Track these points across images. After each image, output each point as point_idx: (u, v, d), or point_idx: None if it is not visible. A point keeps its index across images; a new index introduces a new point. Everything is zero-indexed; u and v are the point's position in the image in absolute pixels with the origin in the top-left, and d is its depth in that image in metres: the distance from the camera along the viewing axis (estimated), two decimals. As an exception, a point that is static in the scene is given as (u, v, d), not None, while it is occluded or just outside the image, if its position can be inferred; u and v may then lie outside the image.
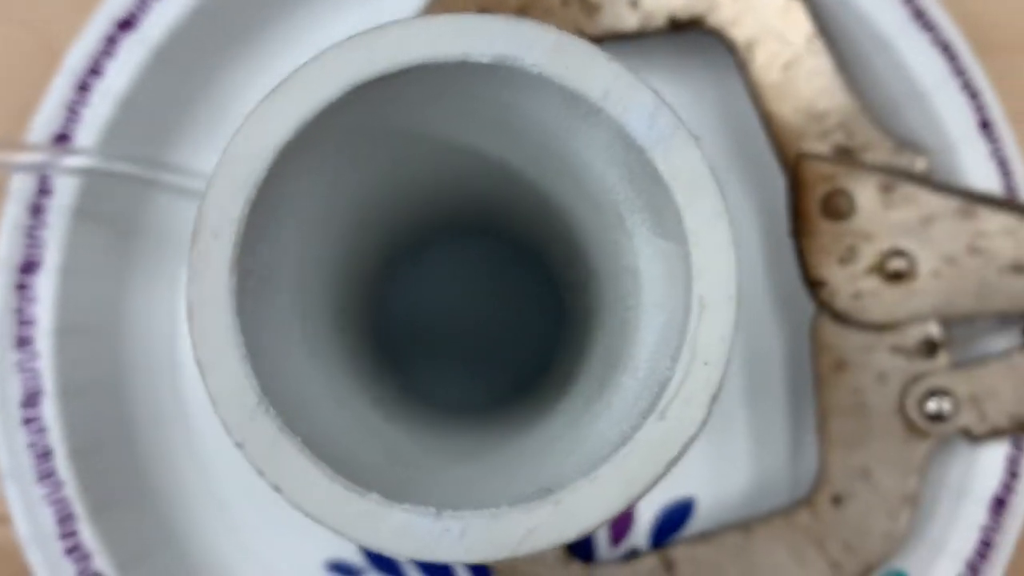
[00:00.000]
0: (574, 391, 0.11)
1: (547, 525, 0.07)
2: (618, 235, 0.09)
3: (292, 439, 0.07)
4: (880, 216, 0.20)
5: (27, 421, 0.20)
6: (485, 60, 0.07)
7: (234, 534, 0.22)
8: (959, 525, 0.20)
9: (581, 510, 0.07)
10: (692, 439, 0.07)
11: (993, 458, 0.20)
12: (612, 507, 0.07)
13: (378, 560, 0.22)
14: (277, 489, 0.07)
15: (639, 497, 0.07)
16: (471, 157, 0.11)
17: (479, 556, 0.07)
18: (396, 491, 0.07)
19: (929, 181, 0.20)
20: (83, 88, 0.20)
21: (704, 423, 0.07)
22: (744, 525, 0.20)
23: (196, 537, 0.21)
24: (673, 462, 0.07)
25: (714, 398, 0.07)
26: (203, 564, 0.21)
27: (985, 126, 0.21)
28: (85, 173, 0.19)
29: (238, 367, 0.07)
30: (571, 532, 0.07)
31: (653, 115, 0.07)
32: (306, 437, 0.07)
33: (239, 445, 0.07)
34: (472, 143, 0.10)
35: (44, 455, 0.20)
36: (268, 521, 0.22)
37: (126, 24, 0.20)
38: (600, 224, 0.09)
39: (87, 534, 0.20)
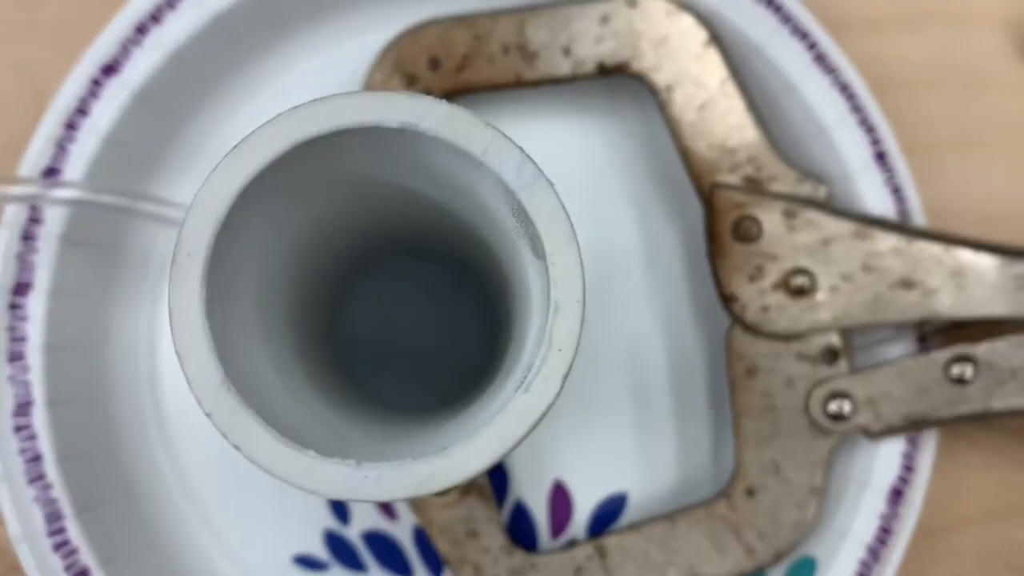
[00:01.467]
0: (490, 386, 0.13)
1: (441, 471, 0.09)
2: (517, 255, 0.11)
3: (248, 410, 0.09)
4: (784, 239, 0.22)
5: (18, 428, 0.22)
6: (394, 125, 0.09)
7: (209, 531, 0.24)
8: (861, 514, 0.23)
9: (466, 460, 0.09)
10: (549, 407, 0.09)
11: (890, 453, 0.23)
12: (489, 458, 0.09)
13: (342, 555, 0.24)
14: (237, 448, 0.09)
15: (509, 451, 0.09)
16: (402, 193, 0.13)
17: (389, 496, 0.09)
18: (329, 452, 0.09)
19: (829, 207, 0.23)
20: (70, 126, 0.22)
21: (558, 395, 0.09)
22: (669, 516, 0.23)
23: (174, 534, 0.23)
24: (534, 424, 0.09)
25: (565, 376, 0.09)
26: (181, 559, 0.23)
27: (880, 157, 0.23)
28: (73, 204, 0.21)
29: (207, 356, 0.09)
30: (459, 476, 0.09)
31: (520, 166, 0.09)
32: (259, 410, 0.09)
33: (208, 415, 0.09)
34: (401, 183, 0.12)
35: (34, 459, 0.22)
36: (240, 520, 0.24)
37: (110, 69, 0.22)
38: (505, 246, 0.12)
39: (73, 532, 0.21)
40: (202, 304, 0.09)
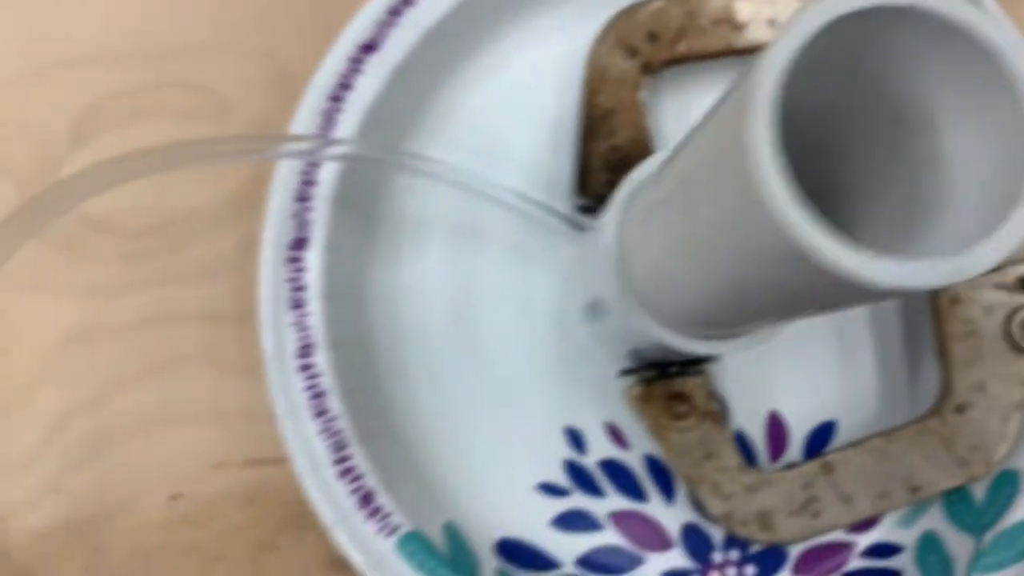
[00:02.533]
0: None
1: (967, 265, 0.11)
2: (918, 137, 0.14)
3: (817, 221, 0.11)
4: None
5: (303, 368, 0.24)
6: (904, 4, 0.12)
7: (463, 463, 0.26)
8: (1057, 428, 0.25)
9: (985, 256, 0.11)
10: None
11: (1081, 372, 0.25)
12: (1002, 254, 0.11)
13: (582, 482, 0.26)
14: (811, 249, 0.11)
15: (1013, 251, 0.11)
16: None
17: (940, 279, 0.11)
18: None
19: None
20: (335, 99, 0.25)
21: None
22: (886, 433, 0.25)
23: (432, 465, 0.26)
24: None
25: None
26: (438, 487, 0.26)
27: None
28: (347, 159, 0.24)
29: (780, 184, 0.11)
30: (979, 268, 0.11)
31: (1000, 30, 0.12)
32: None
33: (784, 226, 0.11)
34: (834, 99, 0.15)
35: (318, 395, 0.24)
36: (489, 454, 0.26)
37: (368, 47, 0.25)
38: (893, 135, 0.14)
39: (359, 458, 0.24)
40: (776, 135, 0.11)
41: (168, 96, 0.27)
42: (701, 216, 0.14)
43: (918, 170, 0.14)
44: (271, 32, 0.28)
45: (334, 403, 0.24)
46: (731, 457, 0.25)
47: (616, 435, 0.26)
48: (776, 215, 0.11)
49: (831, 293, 0.12)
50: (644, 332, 0.19)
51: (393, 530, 0.23)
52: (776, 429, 0.26)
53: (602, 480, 0.26)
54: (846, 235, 0.11)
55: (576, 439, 0.26)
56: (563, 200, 0.26)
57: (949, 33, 0.12)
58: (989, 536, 0.25)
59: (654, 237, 0.17)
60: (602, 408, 0.26)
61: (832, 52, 0.12)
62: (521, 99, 0.27)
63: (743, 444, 0.26)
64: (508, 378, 0.26)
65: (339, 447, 0.24)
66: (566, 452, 0.26)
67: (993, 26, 0.12)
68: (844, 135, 0.16)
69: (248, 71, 0.28)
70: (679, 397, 0.25)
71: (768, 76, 0.12)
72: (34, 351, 0.26)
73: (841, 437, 0.27)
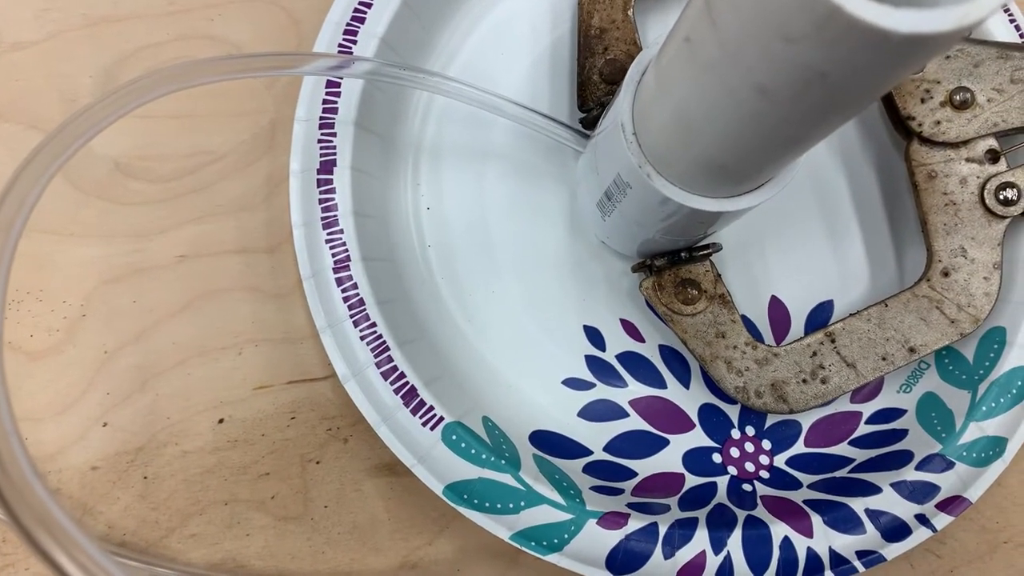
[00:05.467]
0: None
1: (974, 8, 0.13)
2: None
3: None
4: (943, 66, 0.27)
5: (339, 282, 0.26)
6: None
7: (494, 364, 0.27)
8: (1034, 285, 0.27)
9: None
10: None
11: (1050, 233, 0.27)
12: None
13: (603, 373, 0.28)
14: (839, 7, 0.13)
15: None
16: None
17: (958, 24, 0.13)
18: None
19: (971, 39, 0.28)
20: (349, 32, 0.27)
21: None
22: (881, 301, 0.27)
23: (466, 366, 0.27)
24: None
25: None
26: (473, 385, 0.27)
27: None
28: (369, 76, 0.26)
29: None
30: (987, 9, 0.13)
31: None
32: None
33: None
34: None
35: (358, 304, 0.26)
36: (516, 353, 0.28)
37: (377, -16, 0.27)
38: None
39: (400, 358, 0.25)
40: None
41: (187, 48, 0.29)
42: (725, 23, 0.16)
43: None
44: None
45: (372, 310, 0.25)
46: (741, 335, 0.27)
47: (631, 330, 0.28)
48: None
49: (852, 69, 0.14)
50: (661, 197, 0.21)
51: (438, 422, 0.25)
52: (778, 312, 0.29)
53: (622, 371, 0.28)
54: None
55: (595, 336, 0.28)
56: (566, 117, 0.29)
57: None
58: (983, 387, 0.27)
59: (673, 89, 0.19)
60: (617, 306, 0.28)
61: None
62: (520, 29, 0.29)
63: (750, 327, 0.28)
64: (526, 284, 0.28)
65: (380, 350, 0.25)
66: (587, 348, 0.28)
67: None
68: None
69: (260, 19, 0.29)
70: (689, 283, 0.27)
71: None
72: (77, 293, 0.27)
73: (838, 314, 0.29)
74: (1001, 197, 0.27)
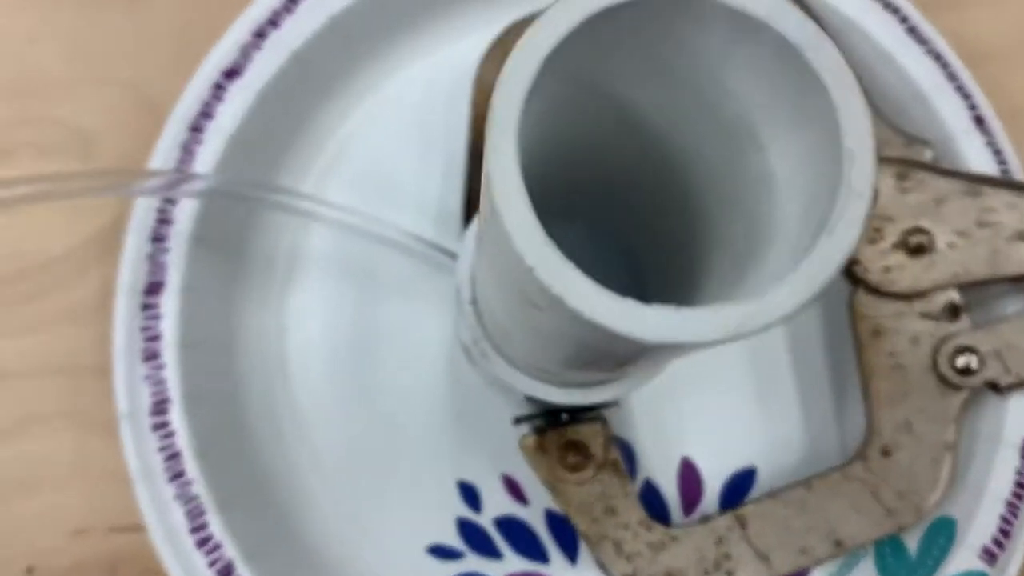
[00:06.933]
0: (709, 276, 0.13)
1: (759, 312, 0.09)
2: (748, 155, 0.12)
3: (568, 263, 0.09)
4: (899, 200, 0.23)
5: (156, 427, 0.22)
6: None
7: (345, 524, 0.23)
8: (996, 470, 0.23)
9: (779, 301, 0.09)
10: (852, 248, 0.10)
11: (1021, 407, 0.23)
12: (801, 298, 0.09)
13: (476, 543, 0.24)
14: (560, 299, 0.09)
15: (817, 294, 0.09)
16: (629, 118, 0.13)
17: (714, 336, 0.09)
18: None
19: (937, 168, 0.23)
20: (196, 129, 0.23)
21: (858, 239, 0.10)
22: (805, 481, 0.23)
23: (311, 527, 0.23)
24: (840, 265, 0.09)
25: (864, 222, 0.10)
26: (318, 552, 0.23)
27: (979, 121, 0.24)
28: (205, 195, 0.22)
29: (527, 213, 0.09)
30: (774, 316, 0.09)
31: (803, 25, 0.10)
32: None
33: (532, 268, 0.09)
34: (638, 97, 0.13)
35: (173, 457, 0.22)
36: (375, 513, 0.24)
37: (232, 72, 0.23)
38: (726, 154, 0.12)
39: (216, 527, 0.21)
40: (517, 165, 0.09)
41: (28, 134, 0.25)
42: (489, 252, 0.12)
43: (752, 193, 0.12)
44: (136, 63, 0.26)
45: (191, 465, 0.22)
46: (634, 512, 0.22)
47: (514, 489, 0.24)
48: (519, 253, 0.09)
49: (620, 345, 0.10)
50: (500, 379, 0.17)
51: (257, 608, 0.21)
52: (689, 478, 0.24)
53: (499, 540, 0.24)
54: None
55: (470, 494, 0.24)
56: (453, 231, 0.24)
57: (742, 25, 0.10)
58: (924, 592, 0.22)
59: (483, 263, 0.15)
60: (498, 459, 0.24)
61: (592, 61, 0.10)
62: (403, 123, 0.25)
63: (654, 496, 0.24)
64: (395, 428, 0.24)
65: (196, 514, 0.21)
66: (459, 509, 0.24)
67: (788, 17, 0.10)
68: (687, 157, 0.14)
69: (112, 104, 0.26)
70: (574, 446, 0.22)
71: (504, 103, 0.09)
72: None
73: (762, 485, 0.24)
74: (958, 364, 0.22)
